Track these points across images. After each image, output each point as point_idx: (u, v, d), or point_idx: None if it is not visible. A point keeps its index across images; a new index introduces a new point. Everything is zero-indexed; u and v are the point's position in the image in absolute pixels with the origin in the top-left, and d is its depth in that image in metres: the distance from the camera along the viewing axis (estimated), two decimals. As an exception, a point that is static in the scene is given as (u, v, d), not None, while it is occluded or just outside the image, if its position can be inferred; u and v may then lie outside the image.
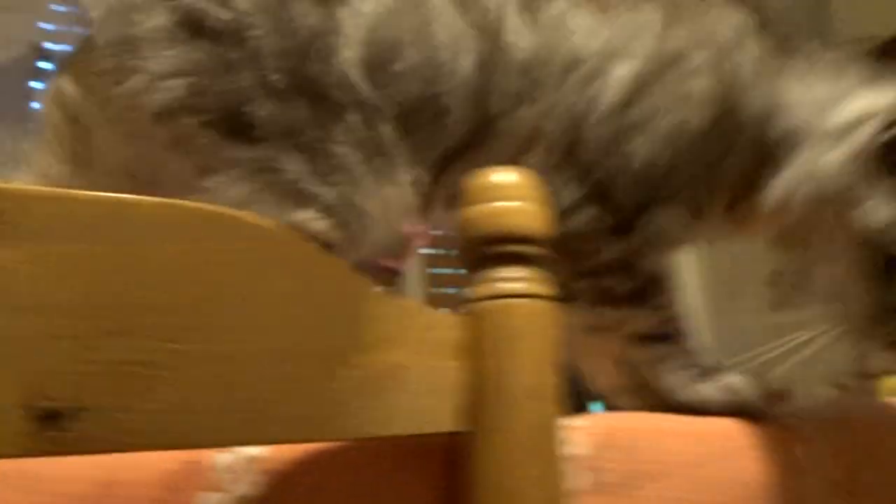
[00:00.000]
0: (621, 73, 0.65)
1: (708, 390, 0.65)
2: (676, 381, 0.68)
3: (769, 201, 0.64)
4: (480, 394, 0.49)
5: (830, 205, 0.57)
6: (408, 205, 0.62)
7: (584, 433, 0.56)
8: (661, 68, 0.65)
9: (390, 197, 0.61)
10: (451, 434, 0.50)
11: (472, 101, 0.64)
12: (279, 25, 0.56)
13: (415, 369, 0.50)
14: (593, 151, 0.65)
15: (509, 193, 0.51)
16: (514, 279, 0.50)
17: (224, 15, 0.55)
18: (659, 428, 0.59)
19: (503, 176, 0.52)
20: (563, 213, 0.64)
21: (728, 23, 0.66)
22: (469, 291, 0.51)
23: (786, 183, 0.62)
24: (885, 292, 0.58)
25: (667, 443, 0.58)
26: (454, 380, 0.49)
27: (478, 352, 0.49)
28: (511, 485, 0.47)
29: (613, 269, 0.66)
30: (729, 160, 0.65)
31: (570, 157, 0.66)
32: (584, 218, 0.65)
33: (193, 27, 0.55)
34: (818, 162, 0.59)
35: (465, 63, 0.63)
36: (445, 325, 0.50)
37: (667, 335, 0.69)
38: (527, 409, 0.48)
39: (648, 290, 0.68)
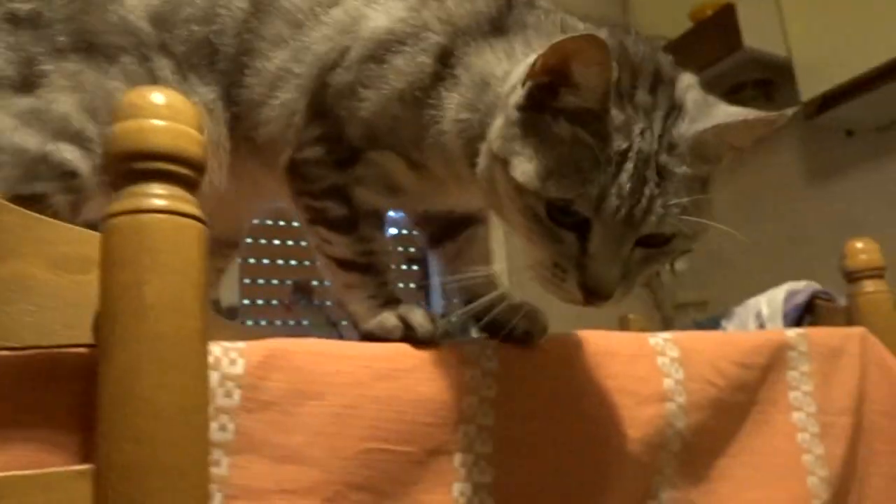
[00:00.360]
0: (373, 27, 0.72)
1: (386, 319, 0.70)
2: (360, 309, 0.73)
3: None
4: (116, 307, 0.48)
5: (497, 163, 0.61)
6: None
7: (239, 353, 0.58)
8: (405, 36, 0.70)
9: None
10: (87, 347, 0.49)
11: (237, 38, 0.76)
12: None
13: (43, 281, 0.49)
14: (333, 95, 0.72)
15: (158, 112, 0.51)
16: (155, 195, 0.50)
17: (27, 6, 0.73)
18: (322, 351, 0.62)
19: (152, 96, 0.52)
20: (301, 144, 0.74)
21: (468, 8, 0.72)
22: (110, 207, 0.50)
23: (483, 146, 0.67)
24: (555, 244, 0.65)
25: (329, 364, 0.61)
26: (87, 294, 0.49)
27: (113, 265, 0.49)
28: (142, 394, 0.47)
29: (331, 195, 0.74)
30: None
31: (313, 97, 0.74)
32: (318, 149, 0.74)
33: (13, 20, 0.72)
34: (493, 127, 0.63)
35: (240, 5, 0.76)
36: (78, 239, 0.50)
37: (366, 266, 0.74)
38: (164, 321, 0.48)
39: (359, 222, 0.74)
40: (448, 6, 0.71)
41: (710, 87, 2.38)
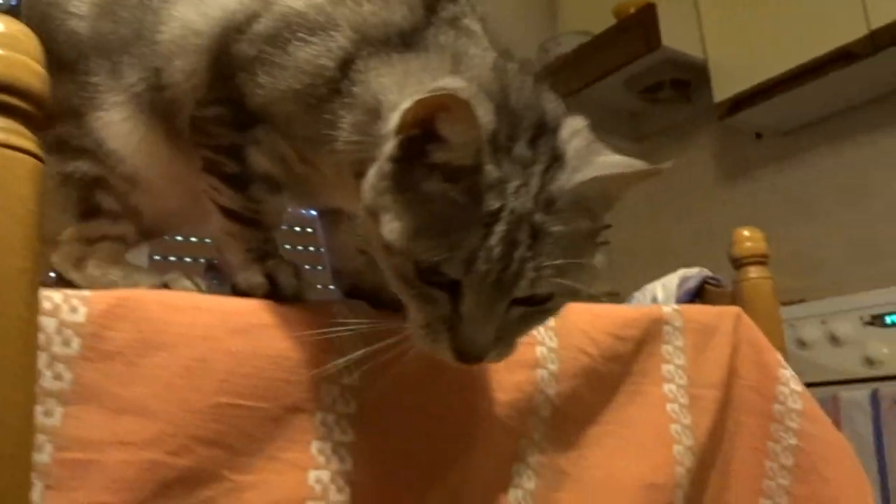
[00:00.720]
0: (287, 3, 0.68)
1: (252, 275, 0.69)
2: (235, 260, 0.71)
3: None
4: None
5: (369, 217, 0.58)
6: None
7: (82, 301, 0.56)
8: (315, 27, 0.66)
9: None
10: None
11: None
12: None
13: None
14: (233, 64, 0.69)
15: (-8, 40, 0.49)
16: (-17, 126, 0.47)
17: None
18: (174, 303, 0.60)
19: (-12, 23, 0.49)
20: (203, 103, 0.71)
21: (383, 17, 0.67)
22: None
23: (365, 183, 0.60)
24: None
25: (181, 316, 0.60)
26: None
27: (-70, 197, 0.46)
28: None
29: (228, 153, 0.71)
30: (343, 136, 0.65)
31: (214, 60, 0.70)
32: (215, 111, 0.71)
33: None
34: (366, 178, 0.59)
35: None
36: None
37: (250, 220, 0.72)
38: (-18, 256, 0.46)
39: (252, 183, 0.71)
40: (363, 11, 0.66)
41: (631, 82, 2.45)
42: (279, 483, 0.61)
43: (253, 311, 0.64)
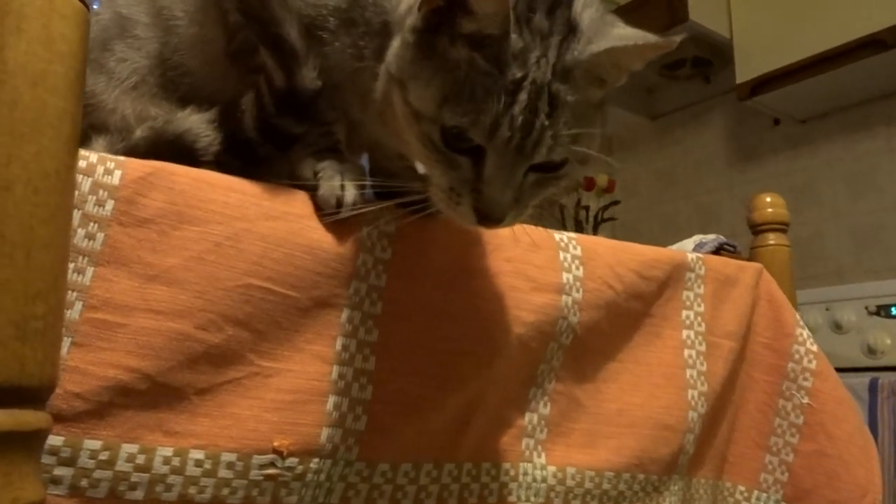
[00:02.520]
0: None
1: (303, 168, 0.66)
2: (298, 156, 0.67)
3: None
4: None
5: (395, 85, 0.59)
6: None
7: (117, 164, 0.54)
8: None
9: None
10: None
11: None
12: None
13: None
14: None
15: None
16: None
17: None
18: (209, 180, 0.58)
19: None
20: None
21: None
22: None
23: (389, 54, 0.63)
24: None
25: (215, 193, 0.58)
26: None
27: (-25, 26, 0.44)
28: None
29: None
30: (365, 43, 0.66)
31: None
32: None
33: None
34: (390, 48, 0.61)
35: None
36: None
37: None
38: (23, 91, 0.44)
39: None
40: None
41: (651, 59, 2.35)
42: (303, 374, 0.60)
43: (287, 198, 0.62)
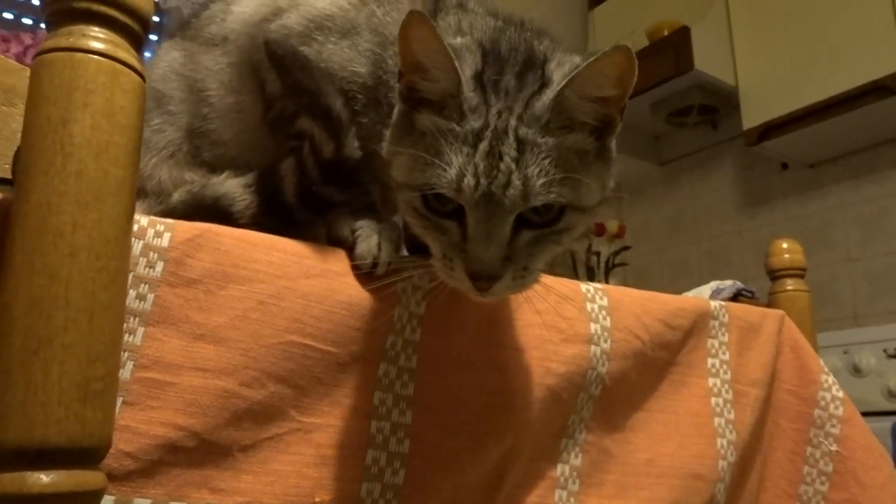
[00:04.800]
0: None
1: (341, 227, 0.68)
2: (336, 216, 0.70)
3: None
4: (40, 141, 0.46)
5: (388, 167, 0.64)
6: None
7: (167, 227, 0.56)
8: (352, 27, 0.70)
9: None
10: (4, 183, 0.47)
11: None
12: None
13: (-38, 106, 0.46)
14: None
15: (106, -43, 0.49)
16: (94, 37, 0.48)
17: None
18: (252, 239, 0.60)
19: (104, -59, 0.50)
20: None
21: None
22: (44, 43, 0.48)
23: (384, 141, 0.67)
24: None
25: (258, 253, 0.60)
26: (10, 126, 0.46)
27: (42, 100, 0.47)
28: (59, 230, 0.44)
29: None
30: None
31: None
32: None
33: None
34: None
35: None
36: (4, 68, 0.47)
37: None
38: (88, 162, 0.46)
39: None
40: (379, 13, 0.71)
41: (659, 105, 2.43)
42: (343, 429, 0.61)
43: (326, 256, 0.64)
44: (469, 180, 0.56)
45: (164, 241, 0.56)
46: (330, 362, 0.61)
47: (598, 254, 2.99)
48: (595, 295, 0.81)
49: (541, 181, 0.57)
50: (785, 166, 2.96)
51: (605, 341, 0.79)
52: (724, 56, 2.88)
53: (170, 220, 0.57)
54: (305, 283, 0.61)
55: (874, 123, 2.56)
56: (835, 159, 2.83)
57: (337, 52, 0.67)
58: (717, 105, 3.01)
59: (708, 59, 2.82)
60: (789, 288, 1.17)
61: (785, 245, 1.22)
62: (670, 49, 2.86)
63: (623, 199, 3.38)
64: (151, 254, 0.55)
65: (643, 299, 0.86)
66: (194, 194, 0.69)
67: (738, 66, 2.86)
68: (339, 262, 0.64)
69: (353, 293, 0.63)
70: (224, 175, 0.69)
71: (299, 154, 0.67)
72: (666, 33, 2.91)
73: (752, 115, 2.76)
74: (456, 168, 0.56)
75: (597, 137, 0.62)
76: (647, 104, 3.00)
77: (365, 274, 0.65)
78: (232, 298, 0.57)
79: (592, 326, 0.78)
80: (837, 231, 2.78)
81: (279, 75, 0.67)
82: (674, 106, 3.03)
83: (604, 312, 0.80)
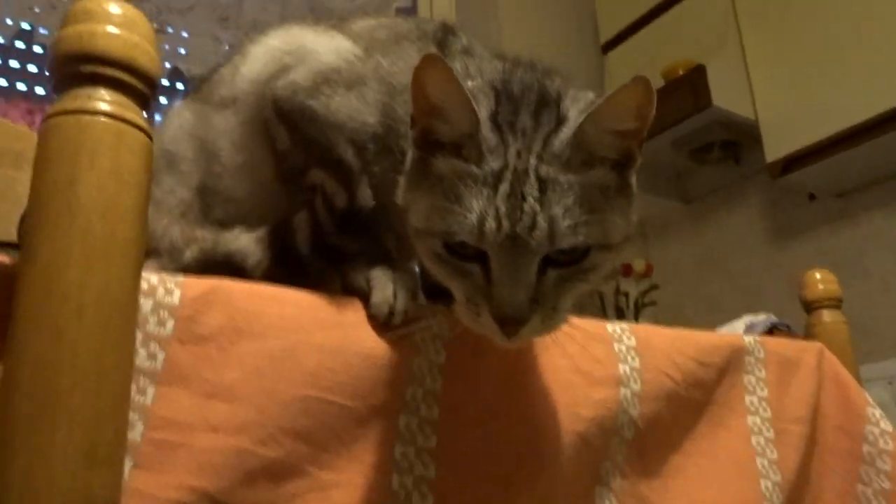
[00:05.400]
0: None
1: (356, 277, 0.67)
2: (350, 266, 0.68)
3: None
4: (46, 203, 0.46)
5: (404, 215, 0.63)
6: None
7: (177, 284, 0.55)
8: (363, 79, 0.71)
9: None
10: (10, 247, 0.47)
11: None
12: None
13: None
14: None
15: (112, 20, 0.50)
16: (100, 99, 0.48)
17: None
18: (264, 293, 0.60)
19: (108, 4, 0.51)
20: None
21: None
22: (52, 107, 0.48)
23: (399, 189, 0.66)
24: None
25: (271, 307, 0.59)
26: (16, 191, 0.47)
27: (49, 163, 0.47)
28: (65, 291, 0.44)
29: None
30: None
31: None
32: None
33: None
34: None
35: None
36: (11, 133, 0.48)
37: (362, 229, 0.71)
38: (95, 222, 0.46)
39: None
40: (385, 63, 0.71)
41: (680, 143, 2.40)
42: (363, 485, 0.58)
43: (341, 306, 0.63)
44: (490, 224, 0.55)
45: (175, 299, 0.55)
46: (348, 416, 0.59)
47: (626, 294, 2.94)
48: (623, 335, 0.79)
49: (566, 222, 0.55)
50: (812, 197, 2.91)
51: (636, 383, 0.76)
52: (741, 91, 2.86)
53: (180, 278, 0.57)
54: (320, 336, 0.59)
55: (899, 150, 2.51)
56: (863, 188, 2.77)
57: (345, 104, 0.67)
58: (738, 140, 2.98)
59: (726, 95, 2.80)
60: (826, 320, 1.13)
61: (819, 276, 1.19)
62: (687, 87, 2.85)
63: (648, 238, 3.35)
64: (162, 312, 0.54)
65: (674, 338, 0.83)
66: (206, 251, 0.69)
67: (757, 99, 2.84)
68: (354, 313, 0.63)
69: (371, 344, 0.62)
70: (236, 230, 0.69)
71: (312, 206, 0.67)
72: (681, 73, 2.91)
73: (775, 148, 2.72)
74: (476, 213, 0.55)
75: (618, 173, 0.60)
76: (667, 143, 2.98)
77: (382, 324, 0.63)
78: (245, 354, 0.56)
79: (621, 367, 0.76)
80: (871, 260, 2.70)
81: (287, 131, 0.67)
82: (695, 143, 3.01)
83: (632, 353, 0.77)
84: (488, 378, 0.68)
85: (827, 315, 1.14)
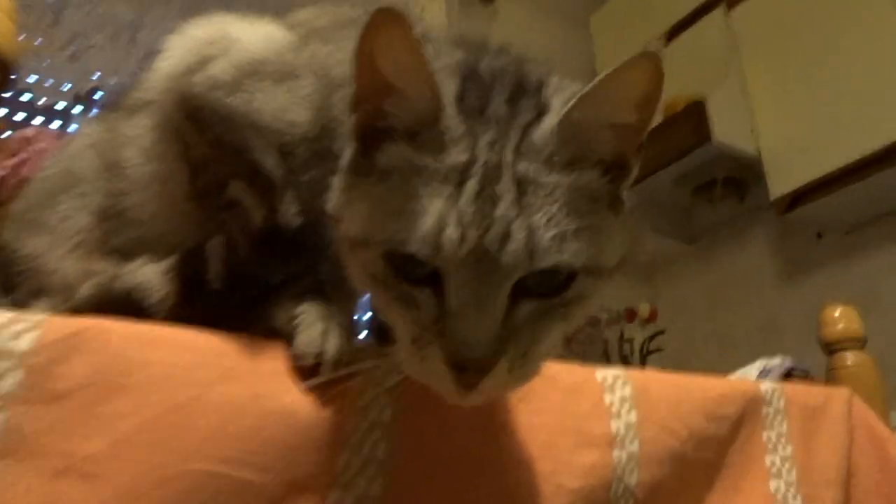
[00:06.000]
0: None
1: (280, 313, 0.53)
2: (274, 302, 0.55)
3: None
4: None
5: (336, 226, 0.52)
6: None
7: (33, 324, 0.43)
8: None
9: None
10: None
11: None
12: None
13: None
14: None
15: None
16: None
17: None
18: (151, 336, 0.47)
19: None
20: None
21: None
22: None
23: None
24: None
25: (153, 354, 0.46)
26: None
27: None
28: None
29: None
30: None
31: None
32: None
33: None
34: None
35: None
36: None
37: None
38: None
39: None
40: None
41: (682, 181, 2.31)
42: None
43: (256, 352, 0.50)
44: (451, 233, 0.42)
45: (24, 344, 0.42)
46: (256, 496, 0.45)
47: (630, 341, 2.80)
48: (615, 383, 0.65)
49: (549, 233, 0.43)
50: (819, 235, 2.80)
51: (632, 443, 0.62)
52: (743, 125, 2.77)
53: (40, 316, 0.44)
54: (222, 391, 0.46)
55: (910, 182, 2.41)
56: (873, 221, 2.66)
57: (269, 101, 0.56)
58: (741, 176, 2.88)
59: (727, 130, 2.71)
60: (850, 363, 1.00)
61: (837, 313, 1.06)
62: (686, 122, 2.77)
63: (653, 280, 3.22)
64: (4, 362, 0.41)
65: (677, 386, 0.70)
66: (102, 286, 0.56)
67: (760, 133, 2.75)
68: (273, 361, 0.50)
69: (290, 399, 0.48)
70: (139, 261, 0.56)
71: (229, 228, 0.54)
72: (681, 107, 2.82)
73: (780, 184, 2.61)
74: (433, 216, 0.42)
75: (609, 181, 0.48)
76: (669, 180, 2.88)
77: (308, 372, 0.50)
78: (115, 417, 0.43)
79: (614, 424, 0.62)
80: (887, 295, 2.56)
81: (201, 134, 0.55)
82: (698, 180, 2.91)
83: (627, 405, 0.64)
84: (448, 441, 0.54)
85: (851, 357, 1.01)
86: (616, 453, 0.61)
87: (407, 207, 0.43)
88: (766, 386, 0.78)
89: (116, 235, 0.61)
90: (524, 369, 0.45)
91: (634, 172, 0.49)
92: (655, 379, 0.69)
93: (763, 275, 2.95)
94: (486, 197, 0.43)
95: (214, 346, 0.48)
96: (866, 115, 2.37)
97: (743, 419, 0.73)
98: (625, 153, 0.48)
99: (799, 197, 2.59)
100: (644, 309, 2.82)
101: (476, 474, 0.54)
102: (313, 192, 0.54)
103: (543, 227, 0.43)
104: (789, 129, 2.64)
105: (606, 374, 0.66)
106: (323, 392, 0.50)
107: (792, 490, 0.72)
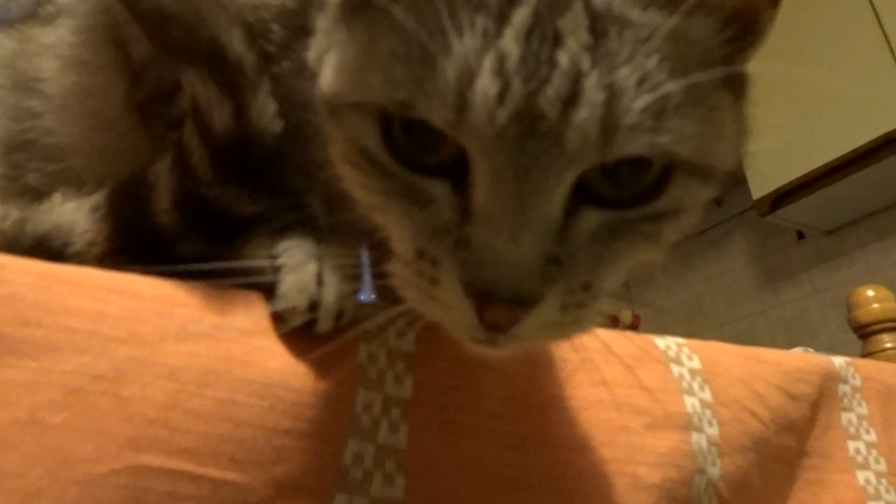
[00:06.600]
0: None
1: (261, 250, 0.38)
2: (246, 239, 0.40)
3: None
4: None
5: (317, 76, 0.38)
6: None
7: None
8: None
9: None
10: None
11: None
12: None
13: None
14: None
15: None
16: None
17: None
18: (66, 276, 0.32)
19: None
20: None
21: None
22: None
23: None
24: None
25: (74, 299, 0.31)
26: None
27: None
28: None
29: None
30: None
31: None
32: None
33: None
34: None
35: None
36: None
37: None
38: None
39: None
40: None
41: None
42: None
43: (223, 302, 0.35)
44: (485, 84, 0.27)
45: None
46: (228, 499, 0.31)
47: (613, 349, 2.69)
48: (680, 353, 0.52)
49: (641, 101, 0.28)
50: (801, 236, 2.75)
51: (711, 424, 0.49)
52: (720, 126, 2.72)
53: None
54: (176, 352, 0.32)
55: (892, 180, 2.37)
56: (854, 222, 2.63)
57: None
58: (717, 180, 2.82)
59: (704, 130, 2.66)
60: (888, 345, 0.90)
61: (870, 293, 0.96)
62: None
63: (631, 287, 3.13)
64: None
65: (747, 357, 0.57)
66: (8, 235, 0.41)
67: (739, 134, 2.70)
68: (246, 314, 0.35)
69: (275, 366, 0.34)
70: (56, 197, 0.41)
71: (181, 144, 0.39)
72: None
73: (761, 185, 2.56)
74: (459, 60, 0.28)
75: (729, 40, 0.33)
76: (645, 184, 2.81)
77: (299, 331, 0.35)
78: (9, 386, 0.28)
79: (689, 401, 0.49)
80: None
81: (146, 23, 0.40)
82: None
83: (699, 379, 0.51)
84: (483, 423, 0.40)
85: (888, 339, 0.91)
86: (695, 437, 0.47)
87: (419, 48, 0.28)
88: (839, 360, 0.65)
89: (30, 170, 0.46)
90: (582, 311, 0.30)
91: (765, 36, 0.35)
92: (721, 349, 0.56)
93: (744, 282, 2.90)
94: (543, 35, 0.28)
95: (166, 293, 0.34)
96: (846, 113, 2.34)
97: (821, 399, 0.60)
98: (756, 3, 0.34)
99: (780, 198, 2.54)
100: (626, 315, 2.73)
101: (521, 462, 0.40)
102: (297, 86, 0.39)
103: (632, 91, 0.28)
104: (769, 129, 2.58)
105: (669, 342, 0.53)
106: (319, 357, 0.35)
107: (884, 483, 0.59)
